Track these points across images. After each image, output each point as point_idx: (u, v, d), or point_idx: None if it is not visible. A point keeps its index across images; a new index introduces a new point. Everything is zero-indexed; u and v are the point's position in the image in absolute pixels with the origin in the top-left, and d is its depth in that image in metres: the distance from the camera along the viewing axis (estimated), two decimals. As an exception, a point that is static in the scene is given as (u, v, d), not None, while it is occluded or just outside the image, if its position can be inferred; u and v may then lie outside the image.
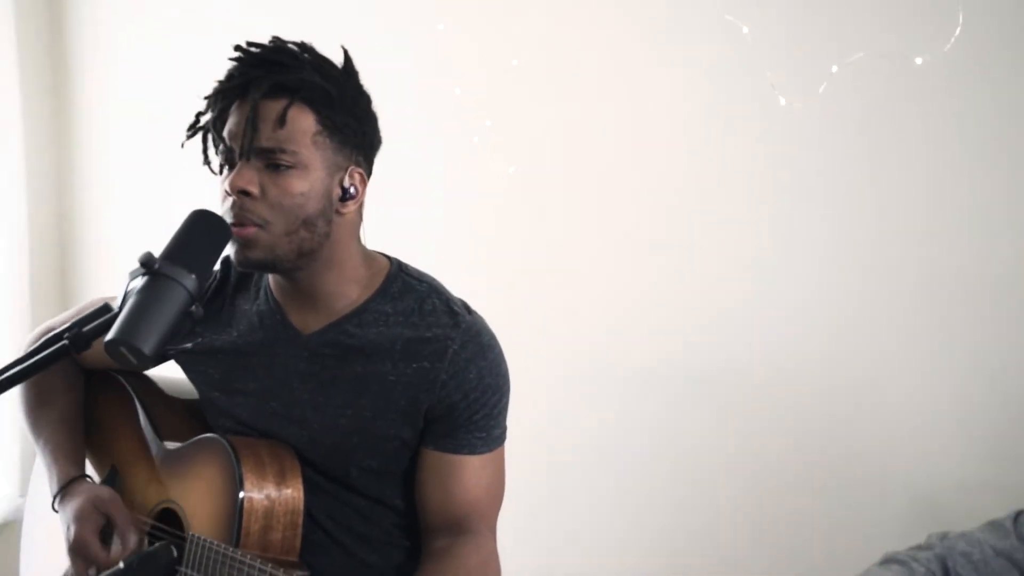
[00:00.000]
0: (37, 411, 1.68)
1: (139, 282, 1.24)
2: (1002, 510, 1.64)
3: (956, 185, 2.08)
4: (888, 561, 1.57)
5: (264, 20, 2.55)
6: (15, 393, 1.69)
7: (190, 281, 1.25)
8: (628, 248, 2.43)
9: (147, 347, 1.19)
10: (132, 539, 1.51)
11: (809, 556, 2.26)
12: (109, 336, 1.20)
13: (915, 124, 2.10)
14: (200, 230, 1.32)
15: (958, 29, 1.91)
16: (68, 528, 1.52)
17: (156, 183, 2.95)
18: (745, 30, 2.06)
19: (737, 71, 2.23)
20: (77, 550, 1.49)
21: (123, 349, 1.20)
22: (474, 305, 1.57)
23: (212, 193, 1.47)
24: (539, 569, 2.40)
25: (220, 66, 1.48)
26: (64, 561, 1.57)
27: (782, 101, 2.06)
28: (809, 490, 2.26)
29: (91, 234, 3.07)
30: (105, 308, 1.28)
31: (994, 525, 1.57)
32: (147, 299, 1.22)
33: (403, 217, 2.50)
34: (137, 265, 1.24)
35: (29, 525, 1.82)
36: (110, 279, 1.65)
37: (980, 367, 2.08)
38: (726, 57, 2.24)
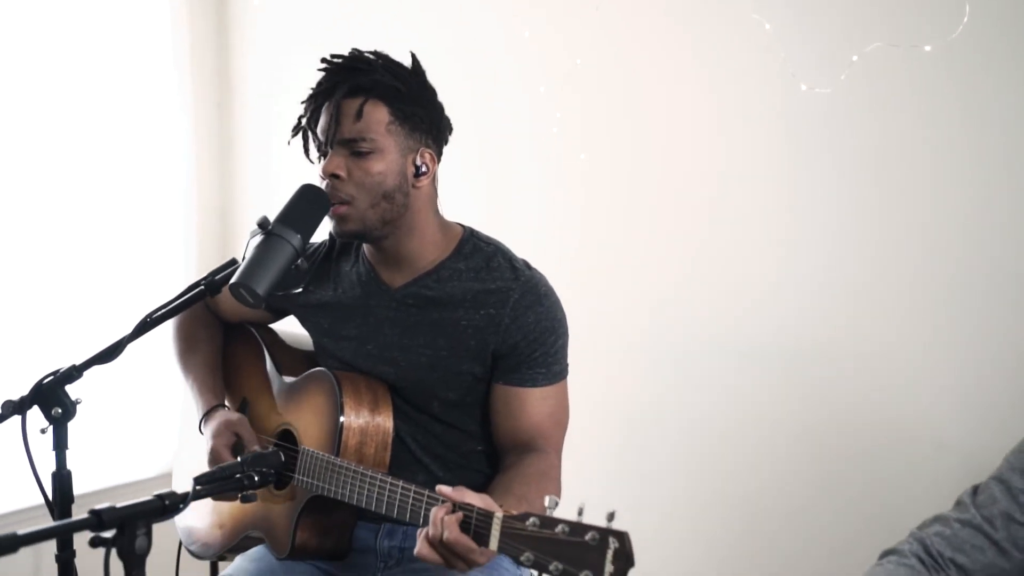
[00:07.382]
0: (186, 356, 2.04)
1: (257, 239, 1.57)
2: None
3: (961, 167, 2.25)
4: (885, 554, 1.81)
5: (399, 35, 2.87)
6: (171, 345, 2.07)
7: (296, 239, 1.58)
8: (686, 225, 2.63)
9: (260, 288, 1.52)
10: (256, 449, 1.83)
11: (853, 506, 2.43)
12: (232, 280, 1.54)
13: (921, 104, 2.27)
14: (305, 199, 1.65)
15: (965, 18, 2.06)
16: (207, 443, 1.86)
17: (298, 180, 3.32)
18: (768, 27, 2.25)
19: (766, 65, 2.41)
20: (213, 459, 1.83)
21: (242, 290, 1.54)
22: (552, 276, 1.82)
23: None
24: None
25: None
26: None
27: (803, 87, 2.24)
28: (846, 445, 2.43)
29: (247, 223, 3.47)
30: (232, 262, 1.63)
31: (958, 504, 1.80)
32: (262, 252, 1.56)
33: (493, 194, 2.77)
34: (256, 227, 1.57)
35: (181, 451, 2.17)
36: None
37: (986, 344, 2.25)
38: (755, 51, 2.43)
